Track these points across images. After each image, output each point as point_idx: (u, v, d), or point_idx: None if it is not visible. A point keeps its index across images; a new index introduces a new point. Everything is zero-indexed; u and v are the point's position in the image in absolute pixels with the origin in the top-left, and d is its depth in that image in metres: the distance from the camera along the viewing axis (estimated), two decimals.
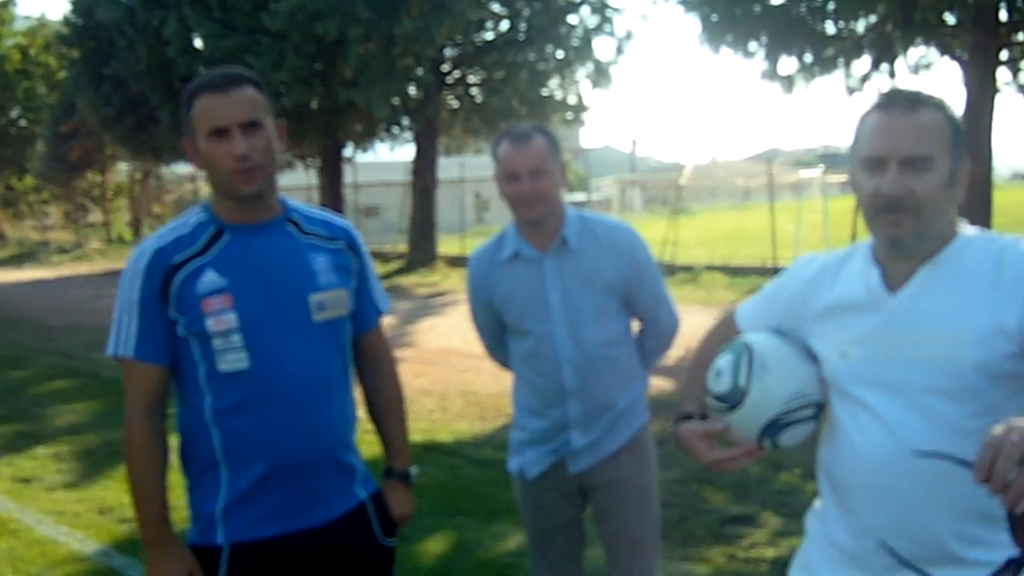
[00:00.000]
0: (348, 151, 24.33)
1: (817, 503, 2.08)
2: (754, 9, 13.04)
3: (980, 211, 13.75)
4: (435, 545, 4.99)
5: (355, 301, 2.40)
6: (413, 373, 9.66)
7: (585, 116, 22.38)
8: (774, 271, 16.60)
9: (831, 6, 12.36)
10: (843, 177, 23.53)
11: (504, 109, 20.74)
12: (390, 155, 33.62)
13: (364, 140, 23.35)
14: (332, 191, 23.19)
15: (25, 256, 32.45)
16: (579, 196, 55.57)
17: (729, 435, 1.98)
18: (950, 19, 12.10)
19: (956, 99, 13.64)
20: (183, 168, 39.22)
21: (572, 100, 21.37)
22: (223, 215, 2.26)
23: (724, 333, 2.18)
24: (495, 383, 9.08)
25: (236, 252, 2.23)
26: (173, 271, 2.19)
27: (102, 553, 5.08)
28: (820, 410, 1.93)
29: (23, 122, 39.66)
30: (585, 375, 2.92)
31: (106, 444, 7.24)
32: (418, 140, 20.92)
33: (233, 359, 2.19)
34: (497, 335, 3.13)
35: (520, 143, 2.85)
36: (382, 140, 24.25)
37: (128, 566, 4.85)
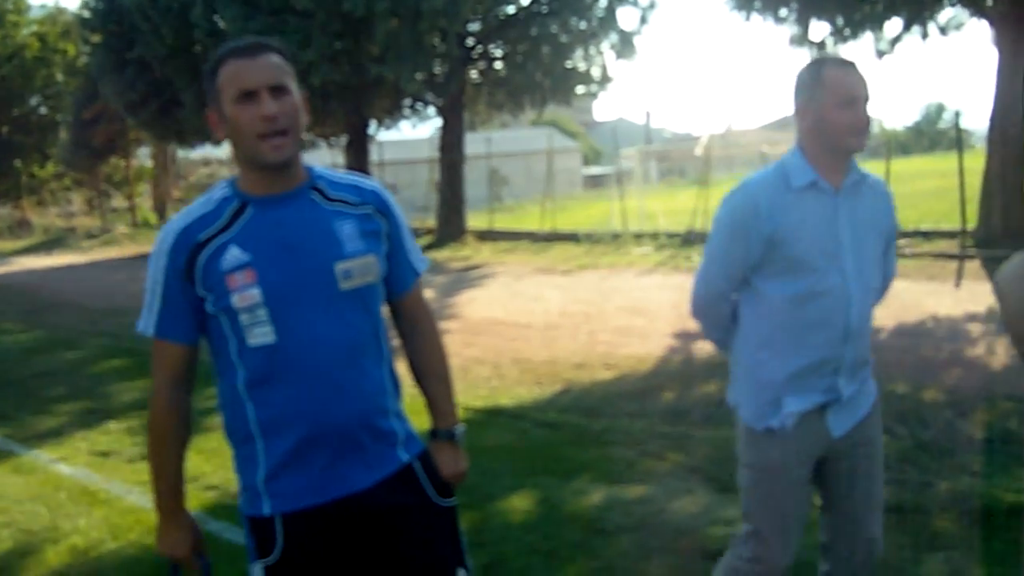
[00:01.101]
0: (371, 129, 24.37)
1: None
2: None
3: (1015, 167, 13.77)
4: (521, 502, 5.12)
5: (387, 265, 2.39)
6: (463, 343, 9.80)
7: (610, 87, 22.35)
8: None
9: None
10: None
11: (528, 83, 20.75)
12: (412, 132, 33.71)
13: (390, 117, 23.41)
14: (359, 169, 23.28)
15: (54, 242, 32.68)
16: (596, 169, 55.57)
17: None
18: None
19: (988, 59, 13.60)
20: (198, 152, 39.45)
21: (596, 72, 21.35)
22: (246, 188, 2.26)
23: None
24: (546, 350, 9.22)
25: (259, 226, 2.23)
26: (198, 249, 2.21)
27: (196, 518, 5.23)
28: None
29: (43, 110, 39.83)
30: (863, 319, 2.84)
31: None
32: (444, 115, 20.97)
33: (260, 333, 2.21)
34: (737, 281, 2.92)
35: (849, 68, 2.74)
36: (406, 117, 24.33)
37: (224, 530, 4.99)
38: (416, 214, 29.22)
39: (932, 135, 67.64)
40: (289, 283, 2.21)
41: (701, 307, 3.04)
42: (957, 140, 16.63)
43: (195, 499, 5.49)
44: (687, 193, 31.13)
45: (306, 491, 2.28)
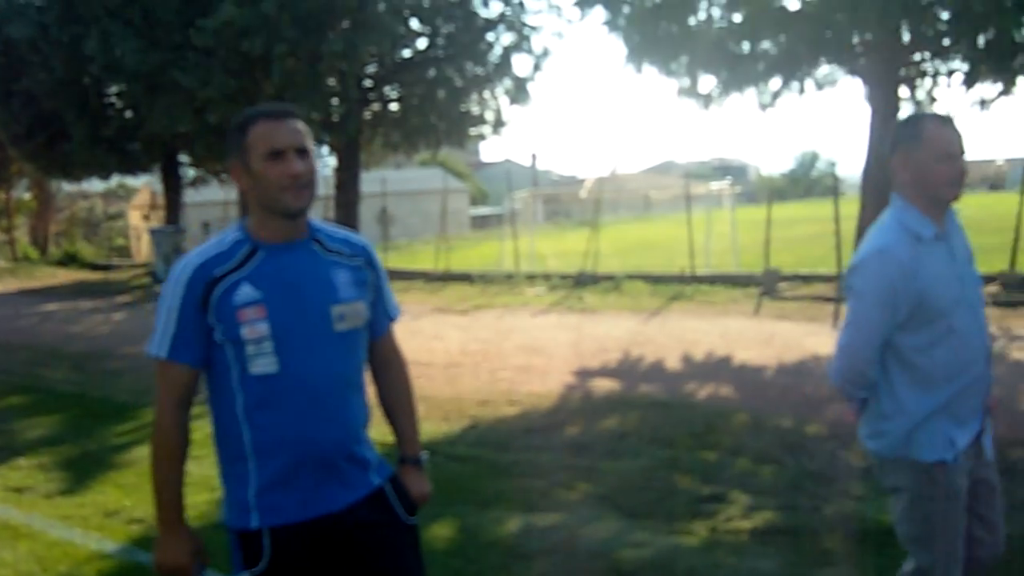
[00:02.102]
0: None
1: None
2: (672, 30, 13.73)
3: None
4: (442, 530, 5.39)
5: (371, 311, 2.70)
6: (367, 381, 9.99)
7: (504, 131, 22.85)
8: (692, 279, 17.38)
9: (747, 28, 13.12)
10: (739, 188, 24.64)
11: (423, 125, 21.08)
12: None
13: None
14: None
15: None
16: (484, 210, 56.15)
17: None
18: (860, 38, 12.93)
19: (861, 115, 14.52)
20: (74, 186, 38.46)
21: (490, 116, 21.83)
22: (258, 234, 2.55)
23: None
24: (450, 388, 9.50)
25: (269, 268, 2.52)
26: (214, 283, 2.48)
27: (125, 551, 5.33)
28: None
29: None
30: (987, 345, 3.16)
31: (86, 455, 7.45)
32: (340, 155, 21.12)
33: (264, 363, 2.47)
34: (882, 345, 3.08)
35: (950, 125, 3.00)
36: None
37: None
38: None
39: (806, 182, 70.47)
40: (294, 321, 2.50)
41: (851, 378, 3.13)
42: (834, 188, 17.62)
43: (121, 533, 5.61)
44: (574, 235, 31.83)
45: (293, 508, 2.54)
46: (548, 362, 10.68)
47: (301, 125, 2.53)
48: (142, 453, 7.36)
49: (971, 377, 3.08)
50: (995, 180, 74.65)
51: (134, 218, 42.19)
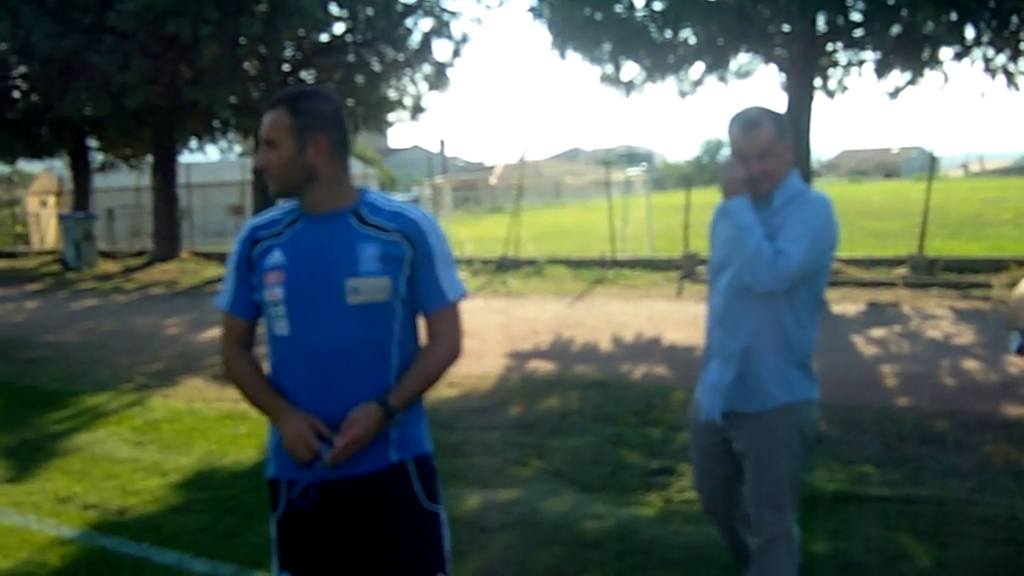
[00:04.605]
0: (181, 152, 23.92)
1: None
2: (596, 17, 13.97)
3: None
4: None
5: (408, 287, 2.69)
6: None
7: (421, 117, 22.84)
8: (614, 263, 17.68)
9: (670, 16, 13.43)
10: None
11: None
12: (201, 157, 33.08)
13: (201, 141, 23.07)
14: (166, 192, 22.82)
15: None
16: (397, 196, 55.71)
17: None
18: (784, 28, 13.34)
19: (778, 102, 14.99)
20: None
21: (409, 102, 21.82)
22: (302, 206, 2.71)
23: None
24: None
25: (302, 237, 2.67)
26: (255, 245, 2.72)
27: (84, 536, 5.29)
28: None
29: None
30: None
31: (25, 443, 7.30)
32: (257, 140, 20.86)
33: (280, 325, 2.65)
34: None
35: (750, 128, 3.27)
36: (215, 141, 24.04)
37: (118, 544, 5.11)
38: (211, 239, 28.70)
39: (713, 169, 71.73)
40: (306, 289, 2.62)
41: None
42: None
43: (77, 519, 5.56)
44: (488, 221, 31.96)
45: (300, 467, 2.64)
46: (481, 345, 10.80)
47: (276, 115, 2.64)
48: (84, 440, 7.30)
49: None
50: (890, 168, 77.35)
51: (32, 204, 40.89)
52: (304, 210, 2.70)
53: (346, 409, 2.61)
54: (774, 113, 3.32)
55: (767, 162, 3.28)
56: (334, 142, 2.66)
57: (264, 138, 2.63)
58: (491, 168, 52.57)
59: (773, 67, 14.66)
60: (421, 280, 2.72)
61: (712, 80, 14.92)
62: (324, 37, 20.70)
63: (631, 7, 13.90)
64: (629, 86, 14.85)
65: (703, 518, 5.05)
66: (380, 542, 2.69)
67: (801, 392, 3.38)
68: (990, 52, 13.84)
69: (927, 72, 14.20)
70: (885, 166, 79.51)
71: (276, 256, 2.66)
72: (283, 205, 2.76)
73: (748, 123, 3.28)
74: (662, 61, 14.12)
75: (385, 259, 2.64)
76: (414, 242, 2.69)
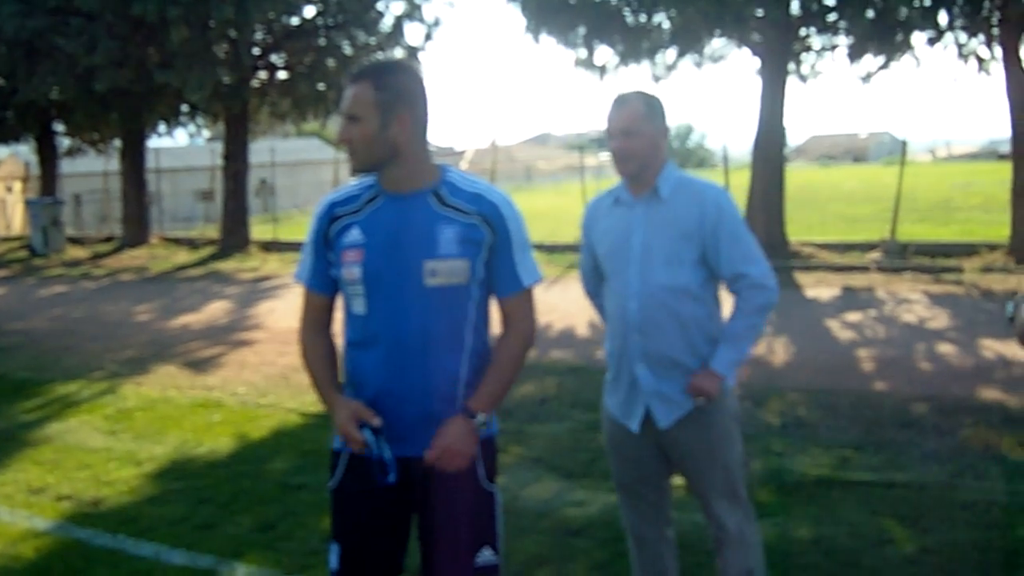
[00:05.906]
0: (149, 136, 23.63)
1: None
2: (570, 0, 13.90)
3: (775, 185, 15.23)
4: None
5: (486, 270, 2.67)
6: (276, 353, 9.93)
7: None
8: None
9: (645, 0, 13.39)
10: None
11: (312, 93, 20.79)
12: (166, 141, 32.72)
13: (169, 125, 22.80)
14: (135, 177, 22.55)
15: None
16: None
17: None
18: (758, 12, 13.33)
19: (752, 86, 14.98)
20: None
21: None
22: (382, 182, 2.67)
23: None
24: None
25: (381, 215, 2.64)
26: (333, 222, 2.68)
27: (59, 528, 5.19)
28: None
29: None
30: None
31: None
32: (228, 124, 20.64)
33: (357, 304, 2.66)
34: (594, 279, 3.52)
35: (618, 105, 3.22)
36: (184, 125, 23.77)
37: (93, 536, 5.03)
38: (179, 224, 28.39)
39: (682, 153, 71.91)
40: (384, 269, 2.61)
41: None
42: (724, 159, 18.11)
43: (51, 510, 5.46)
44: None
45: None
46: None
47: (360, 88, 2.57)
48: (55, 429, 7.18)
49: (623, 339, 3.30)
50: (859, 153, 77.80)
51: None
52: (384, 187, 2.66)
53: (417, 391, 2.63)
54: (650, 96, 3.27)
55: (631, 139, 3.19)
56: (418, 119, 2.62)
57: (346, 112, 2.58)
58: (462, 153, 52.36)
59: (747, 51, 14.67)
60: (498, 264, 2.70)
61: (686, 64, 14.93)
62: (295, 20, 20.47)
63: None
64: (603, 70, 14.81)
65: (685, 504, 5.03)
66: (437, 518, 2.71)
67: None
68: (963, 37, 13.91)
69: (900, 57, 14.25)
70: (854, 151, 79.94)
71: (354, 234, 2.64)
72: (360, 181, 2.72)
73: (618, 100, 3.25)
74: (636, 45, 14.08)
75: (464, 242, 2.62)
76: (493, 226, 2.66)
